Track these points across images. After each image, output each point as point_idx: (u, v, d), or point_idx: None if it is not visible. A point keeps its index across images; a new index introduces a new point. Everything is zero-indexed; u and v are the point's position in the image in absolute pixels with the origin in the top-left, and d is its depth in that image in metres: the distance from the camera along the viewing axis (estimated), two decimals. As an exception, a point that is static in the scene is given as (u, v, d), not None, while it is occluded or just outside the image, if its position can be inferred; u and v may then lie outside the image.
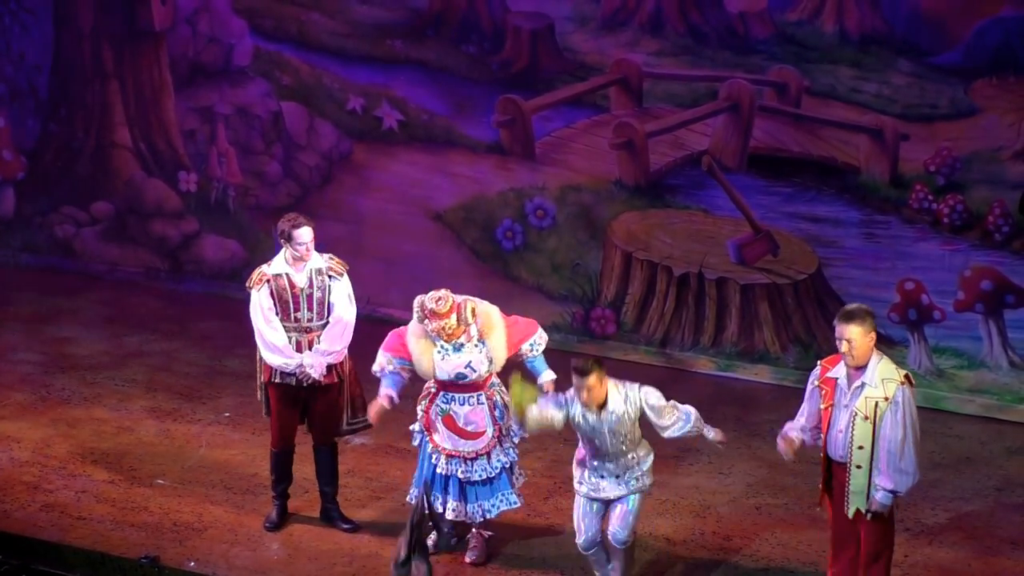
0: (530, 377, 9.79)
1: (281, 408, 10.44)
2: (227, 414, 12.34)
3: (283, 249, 10.31)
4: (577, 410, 9.41)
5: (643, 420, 9.44)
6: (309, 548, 10.34)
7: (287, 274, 10.26)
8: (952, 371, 12.48)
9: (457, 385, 9.86)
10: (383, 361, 9.99)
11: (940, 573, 10.12)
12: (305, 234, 10.23)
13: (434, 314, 9.69)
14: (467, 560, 10.11)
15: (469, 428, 9.87)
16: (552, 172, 13.58)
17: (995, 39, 11.96)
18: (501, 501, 9.98)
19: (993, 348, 12.33)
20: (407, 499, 10.19)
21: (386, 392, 9.95)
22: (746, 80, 12.79)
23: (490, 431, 9.88)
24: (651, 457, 9.58)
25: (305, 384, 10.29)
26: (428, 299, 9.73)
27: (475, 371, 9.79)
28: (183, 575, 9.97)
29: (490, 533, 10.24)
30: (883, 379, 8.79)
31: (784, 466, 10.17)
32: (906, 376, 8.86)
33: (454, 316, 9.72)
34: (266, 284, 10.25)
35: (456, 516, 10.00)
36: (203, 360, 13.44)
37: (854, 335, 8.75)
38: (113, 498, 11.00)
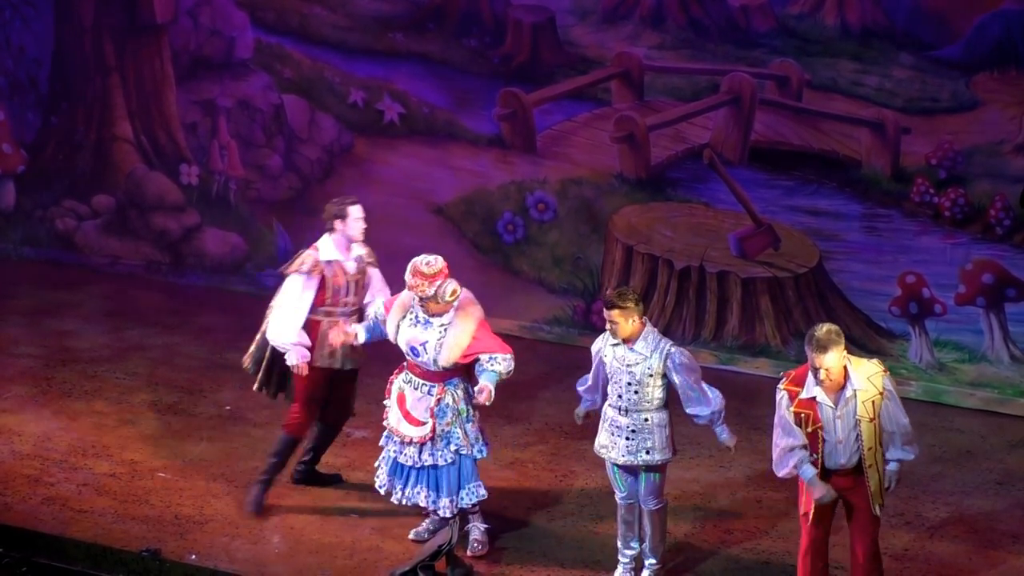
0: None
1: (315, 392, 10.54)
2: (228, 407, 12.35)
3: (330, 234, 10.42)
4: (606, 346, 9.49)
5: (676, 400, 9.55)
6: (310, 541, 10.34)
7: (339, 260, 10.35)
8: (953, 365, 12.48)
9: (415, 368, 9.91)
10: (372, 309, 10.22)
11: (940, 567, 10.12)
12: (361, 209, 10.44)
13: (417, 272, 9.73)
14: (468, 553, 10.11)
15: (412, 413, 9.92)
16: (553, 165, 13.58)
17: (996, 33, 11.96)
18: (417, 494, 10.00)
19: (994, 342, 12.33)
20: (376, 484, 10.21)
21: (354, 328, 10.16)
22: (747, 73, 12.79)
23: (427, 425, 9.90)
24: (666, 431, 9.56)
25: (341, 368, 10.51)
26: (421, 258, 9.79)
27: (426, 352, 9.82)
28: (184, 568, 9.97)
29: (487, 525, 10.24)
30: (868, 378, 8.86)
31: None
32: (879, 362, 9.00)
33: (432, 286, 9.71)
34: (319, 271, 10.39)
35: (377, 486, 10.10)
36: (204, 354, 13.44)
37: (831, 363, 8.75)
38: (114, 491, 11.00)
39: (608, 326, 9.43)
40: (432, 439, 9.90)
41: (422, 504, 10.03)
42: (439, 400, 9.89)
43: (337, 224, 10.44)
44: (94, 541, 10.24)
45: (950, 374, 12.50)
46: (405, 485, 10.03)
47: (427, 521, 10.27)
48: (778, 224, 12.93)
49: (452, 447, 9.92)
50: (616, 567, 9.83)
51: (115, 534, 10.39)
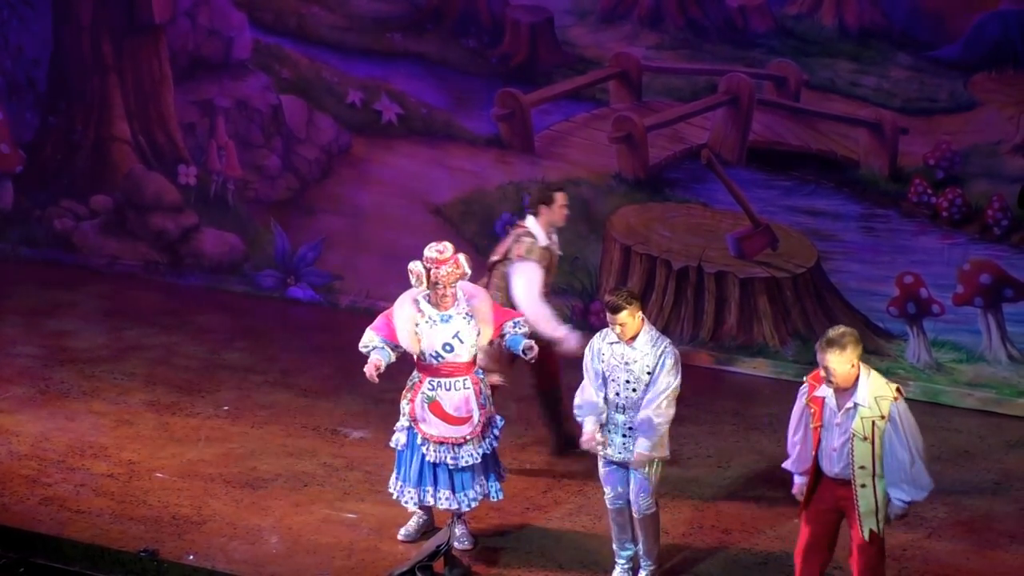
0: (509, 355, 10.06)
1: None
2: (226, 408, 12.35)
3: (535, 217, 10.49)
4: (605, 344, 9.47)
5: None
6: (308, 542, 10.35)
7: (547, 245, 10.49)
8: (951, 365, 12.49)
9: (442, 370, 9.87)
10: (367, 339, 10.03)
11: (938, 567, 10.13)
12: (565, 196, 10.59)
13: (437, 261, 9.75)
14: (456, 546, 10.08)
15: (457, 413, 9.90)
16: (551, 166, 13.58)
17: (994, 33, 11.96)
18: (473, 488, 9.99)
19: (992, 342, 12.33)
20: (389, 489, 10.19)
21: (375, 360, 9.93)
22: (745, 74, 12.79)
23: (476, 416, 9.91)
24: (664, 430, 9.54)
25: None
26: (428, 249, 9.81)
27: (462, 342, 9.81)
28: (182, 569, 9.98)
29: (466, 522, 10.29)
30: (875, 397, 8.72)
31: (783, 459, 10.16)
32: (897, 389, 8.82)
33: (461, 264, 9.79)
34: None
35: (448, 506, 10.01)
36: (202, 353, 13.44)
37: (833, 364, 8.66)
38: (112, 492, 11.00)
39: (616, 329, 9.39)
40: (483, 428, 9.95)
41: (479, 497, 10.05)
42: (479, 390, 9.94)
43: (542, 209, 10.48)
44: (92, 542, 10.25)
45: (948, 374, 12.50)
46: (456, 489, 9.98)
47: (414, 519, 10.26)
48: (776, 224, 12.94)
49: (495, 432, 10.03)
50: (614, 567, 9.84)
51: (113, 534, 10.39)
